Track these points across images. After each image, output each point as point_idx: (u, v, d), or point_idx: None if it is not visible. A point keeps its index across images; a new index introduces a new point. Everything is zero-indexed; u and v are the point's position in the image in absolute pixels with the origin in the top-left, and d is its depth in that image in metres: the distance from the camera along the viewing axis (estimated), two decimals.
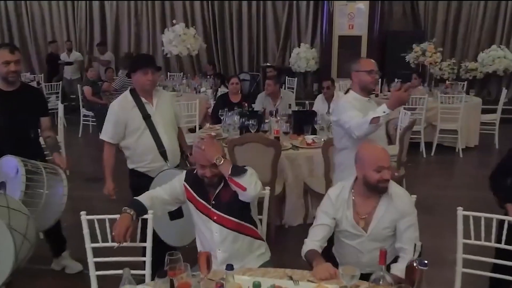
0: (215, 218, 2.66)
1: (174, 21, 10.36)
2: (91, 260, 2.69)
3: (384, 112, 2.98)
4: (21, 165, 3.18)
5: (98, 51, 11.74)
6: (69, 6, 12.70)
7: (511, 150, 3.22)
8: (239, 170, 2.56)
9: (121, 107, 3.50)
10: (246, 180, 2.54)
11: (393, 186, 2.57)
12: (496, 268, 2.86)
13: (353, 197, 2.61)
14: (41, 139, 3.87)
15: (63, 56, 11.38)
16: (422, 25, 11.54)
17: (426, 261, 1.91)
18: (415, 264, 1.94)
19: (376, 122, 2.99)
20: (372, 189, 2.53)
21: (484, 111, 8.29)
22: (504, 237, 2.69)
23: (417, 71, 8.77)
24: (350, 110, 3.19)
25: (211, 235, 2.68)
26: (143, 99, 3.51)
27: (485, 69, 10.46)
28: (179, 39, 9.68)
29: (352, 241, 2.62)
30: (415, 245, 2.01)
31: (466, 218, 2.74)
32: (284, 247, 4.30)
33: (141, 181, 3.43)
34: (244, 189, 2.53)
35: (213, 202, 2.67)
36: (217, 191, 2.67)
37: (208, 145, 2.62)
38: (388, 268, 2.24)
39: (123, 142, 3.56)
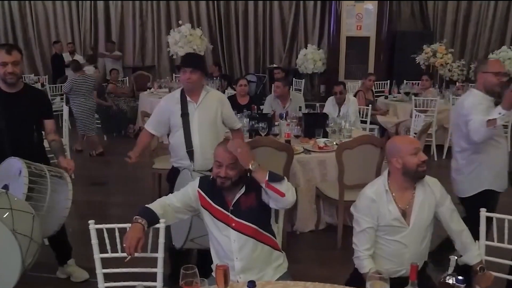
0: (233, 224, 2.54)
1: (180, 22, 10.25)
2: (100, 271, 2.56)
3: (500, 113, 3.01)
4: (24, 167, 3.09)
5: (106, 48, 11.67)
6: (73, 7, 12.61)
7: None
8: (277, 176, 2.47)
9: (166, 102, 3.71)
10: (284, 186, 2.45)
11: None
12: None
13: (391, 192, 2.60)
14: (45, 143, 3.77)
15: (66, 57, 11.27)
16: (431, 25, 11.40)
17: (462, 277, 1.77)
18: (451, 281, 1.80)
19: (493, 124, 3.03)
20: (412, 177, 2.55)
21: None
22: None
23: (427, 73, 8.64)
24: (475, 113, 3.19)
25: (229, 243, 2.55)
26: (188, 98, 3.59)
27: None
28: (185, 40, 9.57)
29: (395, 236, 2.56)
30: (449, 259, 1.87)
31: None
32: (296, 255, 4.19)
33: (177, 176, 3.52)
34: (283, 195, 2.43)
35: (232, 208, 2.55)
36: (237, 197, 2.56)
37: (245, 149, 2.53)
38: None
39: (170, 137, 3.72)
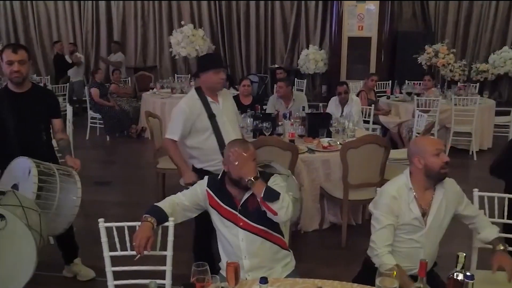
0: (241, 224, 2.57)
1: (182, 22, 10.28)
2: (109, 269, 2.58)
3: None
4: (34, 166, 3.12)
5: (111, 49, 11.69)
6: (75, 7, 12.62)
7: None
8: (272, 195, 2.48)
9: (190, 106, 3.49)
10: (278, 205, 2.47)
11: None
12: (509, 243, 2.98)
13: (414, 191, 2.60)
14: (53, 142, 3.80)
15: (67, 57, 11.28)
16: (432, 26, 11.42)
17: (471, 274, 1.79)
18: (459, 278, 1.82)
19: None
20: (434, 178, 2.56)
21: (496, 113, 8.18)
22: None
23: (429, 73, 8.66)
24: None
25: (237, 242, 2.58)
26: (209, 98, 3.51)
27: (496, 70, 10.34)
28: (187, 40, 9.61)
29: (412, 235, 2.58)
30: (457, 256, 1.89)
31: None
32: (301, 254, 4.18)
33: None
34: (275, 213, 2.48)
35: (240, 208, 2.57)
36: (246, 197, 2.58)
37: (243, 162, 2.53)
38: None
39: (190, 142, 3.55)
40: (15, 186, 3.14)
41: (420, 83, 8.66)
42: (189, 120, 3.47)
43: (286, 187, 2.66)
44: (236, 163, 2.52)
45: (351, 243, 4.44)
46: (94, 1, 12.44)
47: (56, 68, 11.36)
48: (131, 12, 12.48)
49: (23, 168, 3.18)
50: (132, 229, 2.51)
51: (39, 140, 3.55)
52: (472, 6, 11.19)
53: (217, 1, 12.10)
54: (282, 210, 2.48)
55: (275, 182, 2.61)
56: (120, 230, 2.59)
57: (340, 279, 2.28)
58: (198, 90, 3.55)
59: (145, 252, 2.39)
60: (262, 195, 2.46)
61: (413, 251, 2.57)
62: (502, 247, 2.59)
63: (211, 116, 3.47)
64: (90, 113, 8.92)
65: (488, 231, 2.65)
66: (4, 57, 3.33)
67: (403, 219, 2.56)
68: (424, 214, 2.58)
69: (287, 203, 2.51)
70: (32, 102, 3.48)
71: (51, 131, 3.73)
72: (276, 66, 11.41)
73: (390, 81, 9.79)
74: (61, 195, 3.18)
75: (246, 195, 2.58)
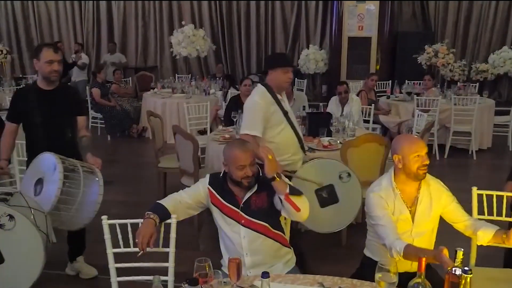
0: (243, 221, 2.60)
1: (183, 22, 10.31)
2: (112, 266, 2.61)
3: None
4: (59, 162, 3.17)
5: (108, 49, 11.72)
6: (76, 7, 12.66)
7: None
8: (296, 190, 2.55)
9: (265, 101, 3.54)
10: (302, 202, 2.53)
11: (427, 175, 2.66)
12: None
13: (397, 188, 2.64)
14: None
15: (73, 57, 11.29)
16: (432, 26, 11.45)
17: (469, 268, 1.82)
18: (458, 273, 1.85)
19: None
20: (413, 177, 2.59)
21: (496, 113, 8.21)
22: None
23: (429, 72, 8.68)
24: None
25: (239, 239, 2.61)
26: (279, 96, 3.60)
27: (496, 70, 10.37)
28: (188, 40, 9.64)
29: (402, 231, 2.59)
30: (456, 251, 1.92)
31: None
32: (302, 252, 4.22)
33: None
34: (299, 210, 2.52)
35: (242, 205, 2.60)
36: (248, 195, 2.61)
37: (274, 157, 2.61)
38: None
39: (265, 136, 3.57)
40: (39, 181, 3.23)
41: (420, 83, 8.69)
42: (264, 114, 3.51)
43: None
44: (270, 157, 2.58)
45: (352, 241, 4.46)
46: (95, 1, 12.49)
47: None
48: (132, 12, 12.54)
49: (49, 164, 3.23)
50: (134, 226, 2.55)
51: (64, 136, 3.62)
52: (472, 6, 11.22)
53: (217, 1, 12.14)
54: (305, 207, 2.54)
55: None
56: (123, 227, 2.62)
57: (340, 276, 2.31)
58: (267, 87, 3.58)
59: (148, 249, 2.42)
60: (288, 191, 2.50)
61: None
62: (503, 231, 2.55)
63: (285, 113, 3.58)
64: (91, 113, 8.95)
65: (486, 227, 2.62)
66: (44, 56, 3.42)
67: (393, 215, 2.60)
68: (411, 210, 2.62)
69: (307, 201, 2.58)
70: (60, 99, 3.57)
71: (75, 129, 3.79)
72: None
73: (390, 81, 9.82)
74: (84, 192, 3.25)
75: (249, 194, 2.62)
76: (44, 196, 3.16)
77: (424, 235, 2.64)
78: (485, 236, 2.55)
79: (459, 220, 2.65)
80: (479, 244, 2.67)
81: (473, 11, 11.24)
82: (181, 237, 2.87)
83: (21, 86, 9.52)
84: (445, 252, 2.14)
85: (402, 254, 2.37)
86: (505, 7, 11.04)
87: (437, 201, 2.64)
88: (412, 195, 2.64)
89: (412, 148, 2.56)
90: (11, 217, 2.78)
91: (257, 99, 3.56)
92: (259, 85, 3.69)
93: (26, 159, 3.70)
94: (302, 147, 3.69)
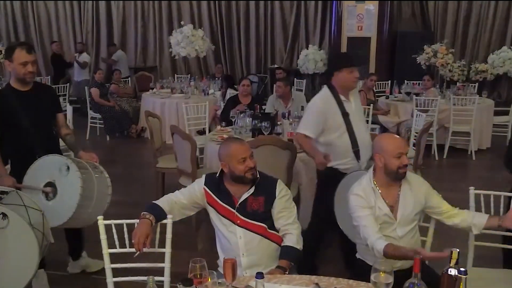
0: (238, 222, 2.60)
1: (182, 23, 10.31)
2: (108, 266, 2.60)
3: None
4: (71, 162, 3.19)
5: (108, 51, 11.73)
6: (75, 8, 12.67)
7: None
8: (298, 258, 2.60)
9: (325, 103, 3.53)
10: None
11: (408, 173, 2.70)
12: (505, 240, 3.07)
13: (377, 188, 2.67)
14: None
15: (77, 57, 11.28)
16: (431, 26, 11.44)
17: (464, 269, 1.81)
18: (453, 273, 1.85)
19: None
20: (393, 177, 2.63)
21: (495, 113, 8.21)
22: None
23: (428, 73, 8.68)
24: None
25: (235, 239, 2.60)
26: (342, 97, 3.52)
27: (495, 70, 10.36)
28: (187, 40, 9.63)
29: (387, 231, 2.62)
30: (451, 252, 1.92)
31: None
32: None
33: (336, 178, 3.44)
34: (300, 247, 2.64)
35: (238, 206, 2.60)
36: (245, 197, 2.61)
37: None
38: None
39: (323, 138, 3.58)
40: (50, 184, 3.20)
41: (419, 83, 8.68)
42: (321, 116, 3.51)
43: None
44: None
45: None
46: (94, 2, 12.48)
47: (54, 68, 11.38)
48: (131, 12, 12.55)
49: (58, 165, 3.22)
50: (130, 227, 2.54)
51: (50, 136, 3.59)
52: (471, 6, 11.21)
53: (216, 2, 12.14)
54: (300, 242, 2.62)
55: (282, 194, 2.66)
56: (119, 227, 2.61)
57: (337, 277, 2.30)
58: (332, 88, 3.55)
59: (144, 249, 2.42)
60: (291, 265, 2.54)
61: None
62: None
63: (345, 115, 3.50)
64: (90, 113, 8.95)
65: (479, 215, 2.67)
66: (17, 58, 3.29)
67: (374, 213, 2.61)
68: (392, 209, 2.64)
69: (299, 230, 2.65)
70: (38, 99, 3.49)
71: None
72: (276, 66, 11.44)
73: (389, 81, 9.80)
74: (97, 187, 3.28)
75: (246, 195, 2.61)
76: (63, 199, 3.15)
77: (408, 233, 2.67)
78: (480, 222, 2.61)
79: (447, 209, 2.68)
80: (475, 233, 2.70)
81: (472, 11, 11.23)
82: (178, 237, 2.87)
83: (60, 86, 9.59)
84: (423, 251, 2.25)
85: (382, 254, 2.42)
86: (504, 7, 11.03)
87: (418, 195, 2.67)
88: (393, 193, 2.68)
89: (393, 148, 2.60)
90: (4, 215, 2.74)
91: (318, 101, 3.59)
92: (325, 86, 3.65)
93: (9, 166, 3.50)
94: (357, 154, 3.52)
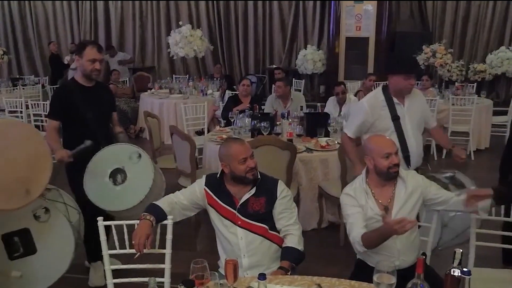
0: (239, 222, 2.59)
1: (180, 23, 10.29)
2: (108, 267, 2.58)
3: None
4: (142, 150, 3.35)
5: (109, 55, 11.69)
6: (73, 8, 12.63)
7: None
8: (299, 259, 2.61)
9: (371, 105, 3.50)
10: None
11: (401, 170, 2.69)
12: (505, 240, 3.14)
13: (370, 189, 2.66)
14: None
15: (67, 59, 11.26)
16: (430, 26, 11.42)
17: (468, 269, 1.80)
18: (457, 274, 1.84)
19: None
20: (385, 177, 2.63)
21: (494, 113, 8.21)
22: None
23: (427, 73, 8.68)
24: None
25: (236, 240, 2.60)
26: (395, 100, 3.48)
27: (494, 70, 10.36)
28: (185, 40, 9.62)
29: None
30: (454, 252, 1.91)
31: None
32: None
33: None
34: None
35: (239, 207, 2.59)
36: (246, 197, 2.60)
37: None
38: None
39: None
40: (118, 170, 3.30)
41: (418, 83, 8.66)
42: (367, 121, 3.50)
43: None
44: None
45: (350, 242, 4.44)
46: (92, 2, 12.45)
47: (52, 69, 11.35)
48: (129, 12, 12.51)
49: (129, 153, 3.35)
50: (131, 228, 2.52)
51: (108, 131, 3.75)
52: (470, 6, 11.18)
53: (215, 1, 12.12)
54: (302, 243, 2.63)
55: (284, 194, 2.66)
56: (119, 228, 2.60)
57: (339, 277, 2.30)
58: (385, 89, 3.52)
59: (145, 250, 2.40)
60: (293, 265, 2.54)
61: (387, 243, 2.55)
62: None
63: (395, 118, 3.45)
64: None
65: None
66: (88, 55, 3.46)
67: (366, 214, 2.61)
68: (387, 209, 2.62)
69: (300, 231, 2.66)
70: (100, 95, 3.66)
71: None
72: (274, 66, 11.43)
73: (387, 81, 9.77)
74: (159, 180, 3.40)
75: (247, 196, 2.61)
76: (134, 184, 3.26)
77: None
78: (484, 204, 2.63)
79: (448, 197, 2.67)
80: (483, 218, 2.77)
81: (471, 11, 11.21)
82: (178, 238, 2.86)
83: (58, 85, 9.55)
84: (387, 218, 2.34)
85: (363, 244, 2.45)
86: (502, 7, 11.01)
87: (414, 191, 2.65)
88: (388, 193, 2.66)
89: (381, 149, 2.61)
90: (46, 210, 2.90)
91: (364, 102, 3.59)
92: (380, 86, 3.62)
93: None
94: (407, 159, 3.47)
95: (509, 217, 2.98)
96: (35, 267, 2.97)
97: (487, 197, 2.58)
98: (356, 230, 2.52)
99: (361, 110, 3.57)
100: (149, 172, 3.24)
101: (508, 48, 10.45)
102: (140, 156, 3.31)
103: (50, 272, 2.95)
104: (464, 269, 1.82)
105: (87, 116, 3.49)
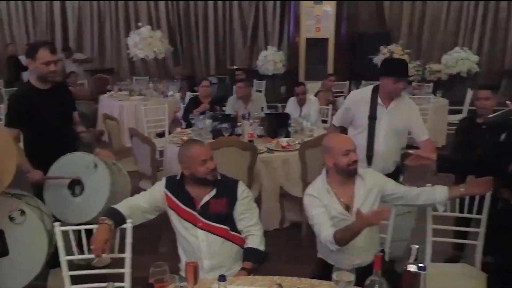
0: (200, 224, 2.58)
1: (139, 24, 10.17)
2: (66, 274, 2.53)
3: None
4: (98, 159, 3.29)
5: (64, 56, 11.44)
6: (28, 7, 12.26)
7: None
8: (261, 259, 2.61)
9: (356, 97, 3.66)
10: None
11: (359, 168, 2.76)
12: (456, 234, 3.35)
13: (331, 187, 2.70)
14: None
15: (22, 59, 10.96)
16: (388, 27, 11.64)
17: (424, 265, 1.85)
18: (412, 269, 1.88)
19: None
20: (345, 174, 2.68)
21: (449, 112, 8.42)
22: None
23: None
24: None
25: (197, 242, 2.58)
26: (379, 100, 3.51)
27: (449, 70, 10.65)
28: (145, 42, 9.51)
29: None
30: (410, 249, 1.95)
31: None
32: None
33: None
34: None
35: (200, 208, 2.57)
36: (207, 199, 2.59)
37: None
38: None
39: (349, 130, 3.71)
40: (75, 181, 3.26)
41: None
42: (349, 109, 3.64)
43: None
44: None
45: (312, 241, 4.45)
46: (48, 2, 12.13)
47: (10, 71, 11.02)
48: (87, 13, 12.23)
49: (85, 163, 3.29)
50: (89, 233, 2.48)
51: (72, 132, 3.69)
52: (425, 8, 11.48)
53: (174, 2, 12.02)
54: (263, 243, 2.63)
55: (244, 195, 2.67)
56: (77, 233, 2.55)
57: (300, 276, 2.31)
58: (375, 89, 3.55)
59: (104, 255, 2.36)
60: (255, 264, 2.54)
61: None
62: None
63: (371, 117, 3.49)
64: None
65: (439, 191, 2.72)
66: (41, 58, 3.34)
67: (329, 212, 2.65)
68: (348, 207, 2.67)
69: (262, 231, 2.66)
70: (59, 96, 3.56)
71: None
72: (235, 67, 11.41)
73: (347, 82, 9.93)
74: (121, 182, 3.38)
75: (207, 197, 2.60)
76: (92, 195, 3.21)
77: (367, 229, 2.66)
78: (442, 198, 2.70)
79: (406, 192, 2.75)
80: (441, 211, 2.81)
81: (426, 12, 11.51)
82: (140, 241, 2.82)
83: (15, 87, 9.25)
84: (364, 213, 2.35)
85: (335, 242, 2.48)
86: (456, 8, 11.35)
87: (372, 187, 2.71)
88: (349, 191, 2.71)
89: (340, 147, 2.66)
90: (22, 212, 2.86)
91: (353, 92, 3.87)
92: (372, 85, 3.64)
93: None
94: (369, 159, 3.53)
95: (463, 213, 3.07)
96: (5, 270, 2.90)
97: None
98: (325, 230, 2.54)
99: (348, 98, 3.80)
100: (106, 182, 3.20)
101: (462, 49, 10.77)
102: (96, 166, 3.27)
103: (20, 276, 2.89)
104: (420, 265, 1.86)
105: (47, 120, 3.41)
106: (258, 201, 4.58)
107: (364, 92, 3.66)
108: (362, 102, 3.57)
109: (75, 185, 3.25)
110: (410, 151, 2.82)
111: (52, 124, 3.43)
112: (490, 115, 3.19)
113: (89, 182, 3.24)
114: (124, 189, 3.42)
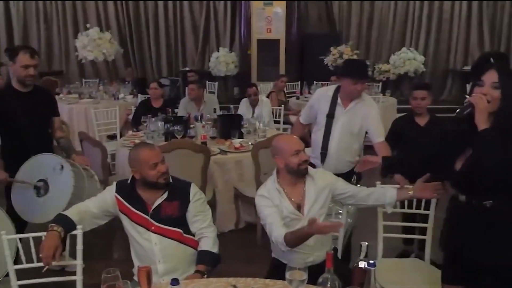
0: (152, 228, 2.55)
1: (88, 25, 9.96)
2: (15, 283, 2.46)
3: None
4: (65, 162, 3.27)
5: (8, 57, 11.03)
6: None
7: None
8: (215, 262, 2.59)
9: (320, 95, 3.72)
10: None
11: (310, 168, 2.79)
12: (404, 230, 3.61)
13: (282, 188, 2.72)
14: None
15: None
16: (337, 28, 11.85)
17: (373, 261, 1.90)
18: (362, 266, 1.92)
19: None
20: (296, 174, 2.71)
21: (398, 111, 8.64)
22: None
23: (335, 73, 8.99)
24: None
25: (151, 246, 2.56)
26: (339, 100, 3.55)
27: (397, 70, 10.95)
28: (94, 44, 9.33)
29: (294, 227, 2.64)
30: (361, 245, 2.00)
31: None
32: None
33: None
34: None
35: (152, 212, 2.55)
36: (158, 202, 2.57)
37: None
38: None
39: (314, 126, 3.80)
40: (42, 181, 3.24)
41: (327, 83, 8.97)
42: (313, 106, 3.73)
43: None
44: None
45: (267, 241, 4.48)
46: None
47: None
48: (33, 13, 11.85)
49: (52, 164, 3.27)
50: (37, 240, 2.42)
51: (46, 136, 3.70)
52: (373, 9, 11.75)
53: (124, 2, 11.82)
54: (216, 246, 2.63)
55: (197, 197, 2.66)
56: (25, 241, 2.48)
57: (256, 276, 2.33)
58: (338, 88, 3.57)
59: (53, 263, 2.31)
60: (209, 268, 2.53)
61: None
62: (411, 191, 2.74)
63: (329, 116, 3.56)
64: None
65: (389, 193, 2.78)
66: (20, 61, 3.42)
67: (281, 212, 2.67)
68: (299, 206, 2.71)
69: (215, 233, 2.67)
70: (37, 101, 3.58)
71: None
72: (187, 68, 11.35)
73: (299, 82, 10.05)
74: (88, 189, 3.29)
75: (159, 200, 2.58)
76: (55, 196, 3.19)
77: None
78: (391, 199, 2.75)
79: (355, 192, 2.81)
80: (389, 212, 2.85)
81: (374, 13, 11.78)
82: (93, 247, 2.78)
83: None
84: (317, 221, 2.35)
85: (285, 244, 2.49)
86: (403, 9, 11.68)
87: (322, 187, 2.74)
88: (299, 190, 2.74)
89: (290, 147, 2.69)
90: None
91: (318, 90, 3.92)
92: (336, 85, 3.67)
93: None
94: (323, 156, 3.62)
95: (411, 209, 3.16)
96: None
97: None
98: (277, 230, 2.56)
99: (313, 95, 3.90)
100: (69, 184, 3.17)
101: (409, 49, 11.09)
102: (62, 167, 3.26)
103: None
104: (370, 261, 1.91)
105: (19, 123, 3.44)
106: (212, 202, 4.59)
107: (326, 90, 3.72)
108: (323, 99, 3.64)
109: (41, 186, 3.25)
110: (358, 158, 2.88)
111: (24, 126, 3.45)
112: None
113: (54, 183, 3.23)
114: (93, 195, 3.36)
